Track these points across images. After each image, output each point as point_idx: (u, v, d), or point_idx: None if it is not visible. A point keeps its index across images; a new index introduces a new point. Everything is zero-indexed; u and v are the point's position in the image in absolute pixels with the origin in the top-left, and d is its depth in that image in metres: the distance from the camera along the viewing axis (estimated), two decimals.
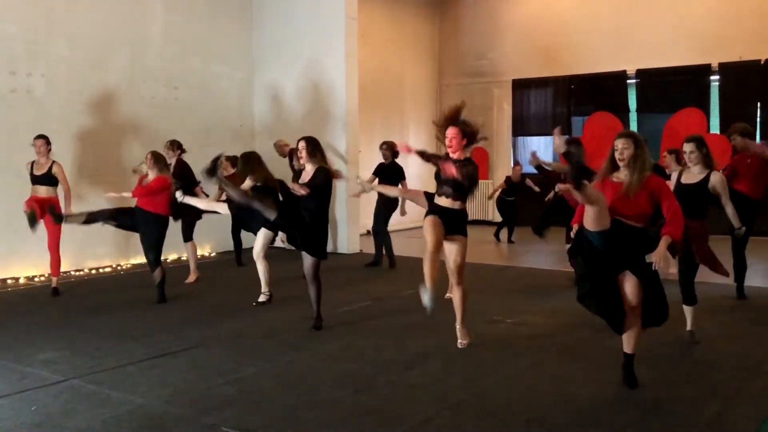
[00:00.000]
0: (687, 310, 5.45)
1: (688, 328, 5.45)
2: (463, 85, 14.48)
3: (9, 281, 8.13)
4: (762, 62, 11.46)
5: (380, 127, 12.99)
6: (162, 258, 7.16)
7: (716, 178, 5.33)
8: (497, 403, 4.17)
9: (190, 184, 8.12)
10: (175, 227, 7.95)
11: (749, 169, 6.90)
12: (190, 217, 8.04)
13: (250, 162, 6.77)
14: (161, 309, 6.79)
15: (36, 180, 7.31)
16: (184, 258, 9.42)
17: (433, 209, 5.19)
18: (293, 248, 5.99)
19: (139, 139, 9.45)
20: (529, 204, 11.14)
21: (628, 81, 12.70)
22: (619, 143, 4.24)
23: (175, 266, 9.22)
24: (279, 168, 8.53)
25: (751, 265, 7.09)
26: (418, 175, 11.36)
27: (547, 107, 13.66)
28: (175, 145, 8.16)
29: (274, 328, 5.96)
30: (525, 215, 11.33)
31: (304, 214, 5.72)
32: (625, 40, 12.58)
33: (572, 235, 4.69)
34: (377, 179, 8.91)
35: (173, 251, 9.59)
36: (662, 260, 4.11)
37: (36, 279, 8.31)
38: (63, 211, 7.22)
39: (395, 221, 9.36)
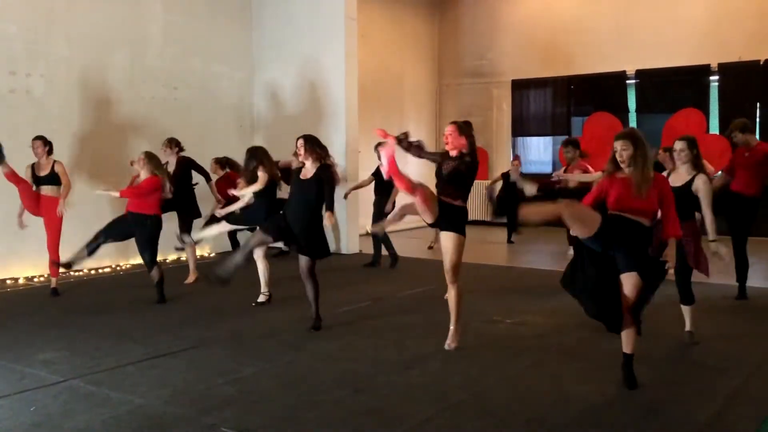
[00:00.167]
0: (685, 310, 5.44)
1: (687, 328, 5.44)
2: (463, 85, 14.49)
3: (8, 281, 8.13)
4: (761, 63, 11.46)
5: (380, 127, 12.95)
6: (162, 258, 7.15)
7: (700, 181, 5.21)
8: (497, 403, 4.17)
9: (206, 177, 8.18)
10: (172, 228, 7.97)
11: (747, 161, 6.84)
12: (190, 217, 8.02)
13: (257, 155, 6.76)
14: (161, 309, 6.79)
15: (40, 181, 7.29)
16: (183, 258, 9.42)
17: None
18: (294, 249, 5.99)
19: (139, 139, 9.44)
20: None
21: (628, 81, 12.69)
22: (618, 145, 4.28)
23: (174, 267, 9.22)
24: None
25: (752, 265, 7.09)
26: (419, 174, 11.32)
27: (547, 107, 13.67)
28: (173, 143, 8.05)
29: (274, 328, 5.95)
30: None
31: (300, 209, 5.73)
32: (624, 41, 12.58)
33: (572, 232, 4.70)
34: (374, 181, 8.93)
35: (173, 252, 9.57)
36: (675, 262, 4.28)
37: (35, 279, 8.30)
38: (58, 207, 7.20)
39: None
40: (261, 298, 6.91)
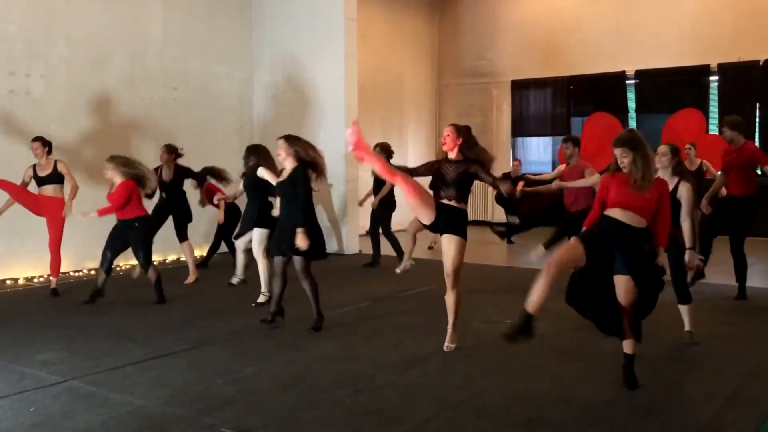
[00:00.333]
0: (683, 309, 5.44)
1: (687, 328, 5.44)
2: (463, 86, 14.49)
3: (8, 282, 8.13)
4: (761, 63, 11.47)
5: (379, 127, 12.98)
6: (162, 259, 7.15)
7: (684, 189, 5.20)
8: (497, 403, 4.17)
9: (201, 182, 8.16)
10: (170, 228, 7.98)
11: (734, 162, 6.78)
12: (184, 221, 8.05)
13: (259, 153, 6.77)
14: (160, 309, 6.78)
15: (42, 181, 7.27)
16: (183, 259, 9.41)
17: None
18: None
19: (139, 139, 9.44)
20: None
21: (628, 81, 12.71)
22: (617, 153, 4.36)
23: (174, 267, 9.21)
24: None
25: (751, 265, 7.09)
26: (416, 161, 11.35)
27: (547, 108, 13.68)
28: (170, 150, 7.98)
29: (274, 328, 5.95)
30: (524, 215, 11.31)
31: (284, 211, 5.73)
32: (624, 41, 12.59)
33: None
34: (374, 180, 8.93)
35: (172, 252, 9.58)
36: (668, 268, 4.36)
37: (35, 280, 8.30)
38: (65, 209, 7.19)
39: (396, 221, 9.35)
40: (261, 299, 6.90)
